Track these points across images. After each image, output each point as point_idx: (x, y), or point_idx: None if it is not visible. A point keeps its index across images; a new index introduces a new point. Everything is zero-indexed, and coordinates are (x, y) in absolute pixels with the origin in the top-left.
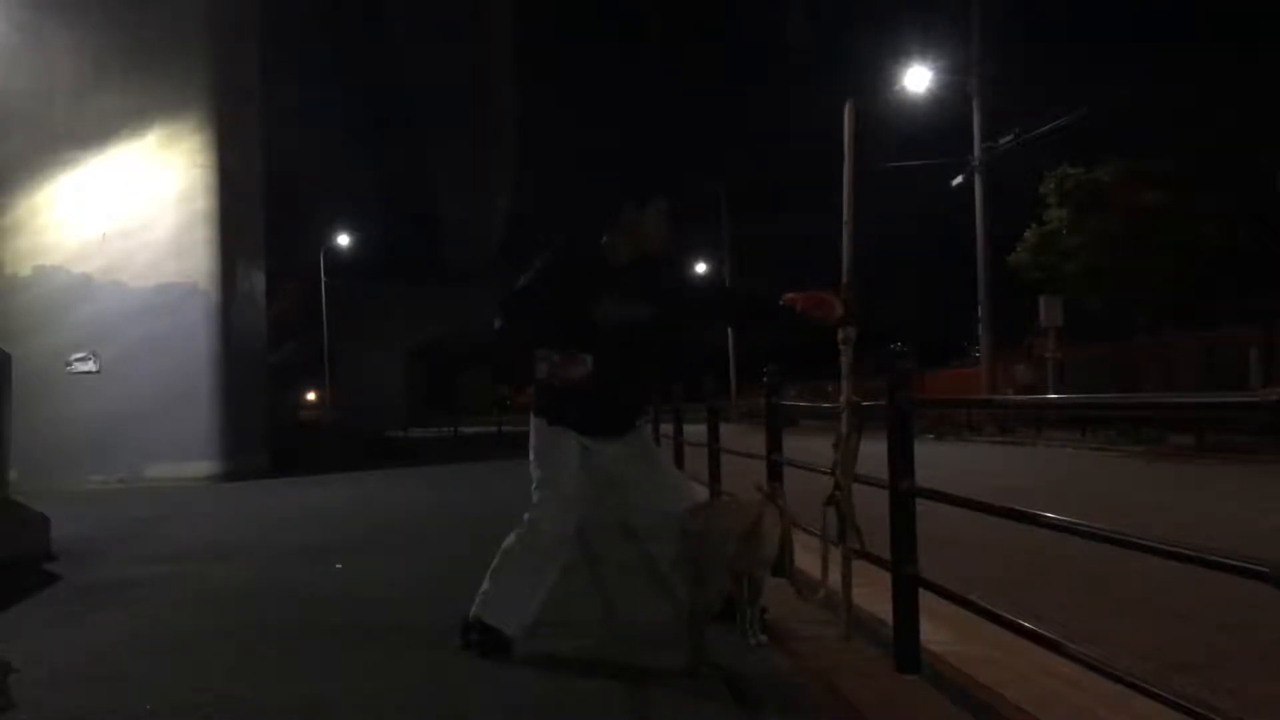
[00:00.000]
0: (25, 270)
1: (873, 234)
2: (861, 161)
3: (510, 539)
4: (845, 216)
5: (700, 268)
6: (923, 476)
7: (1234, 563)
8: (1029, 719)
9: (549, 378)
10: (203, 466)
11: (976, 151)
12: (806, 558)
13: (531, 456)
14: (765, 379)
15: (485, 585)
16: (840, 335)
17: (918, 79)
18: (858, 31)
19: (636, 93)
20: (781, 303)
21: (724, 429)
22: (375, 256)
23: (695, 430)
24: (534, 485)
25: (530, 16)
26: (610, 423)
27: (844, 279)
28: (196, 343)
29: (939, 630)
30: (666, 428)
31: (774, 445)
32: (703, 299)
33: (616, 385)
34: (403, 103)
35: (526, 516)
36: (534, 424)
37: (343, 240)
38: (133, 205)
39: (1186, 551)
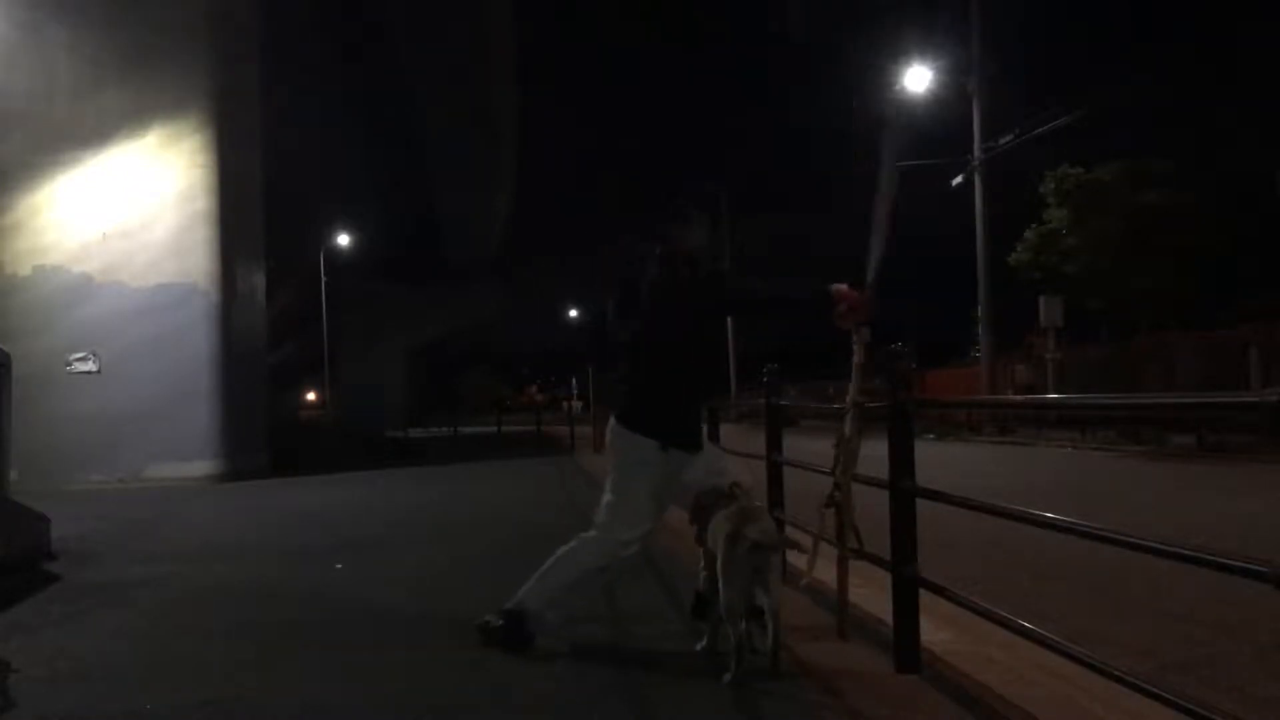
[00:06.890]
0: (25, 270)
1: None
2: (862, 161)
3: (576, 543)
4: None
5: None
6: (922, 477)
7: (1234, 563)
8: (1029, 719)
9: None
10: (202, 466)
11: (976, 151)
12: (796, 554)
13: (612, 465)
14: (765, 379)
15: (541, 581)
16: (855, 334)
17: (918, 79)
18: (858, 31)
19: (636, 92)
20: (829, 291)
21: (723, 429)
22: (375, 256)
23: None
24: (607, 494)
25: (531, 16)
26: (697, 434)
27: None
28: (196, 343)
29: (939, 630)
30: None
31: (774, 445)
32: (724, 299)
33: (699, 395)
34: (403, 102)
35: (597, 520)
36: (619, 434)
37: (343, 240)
38: (133, 205)
39: (1186, 551)
